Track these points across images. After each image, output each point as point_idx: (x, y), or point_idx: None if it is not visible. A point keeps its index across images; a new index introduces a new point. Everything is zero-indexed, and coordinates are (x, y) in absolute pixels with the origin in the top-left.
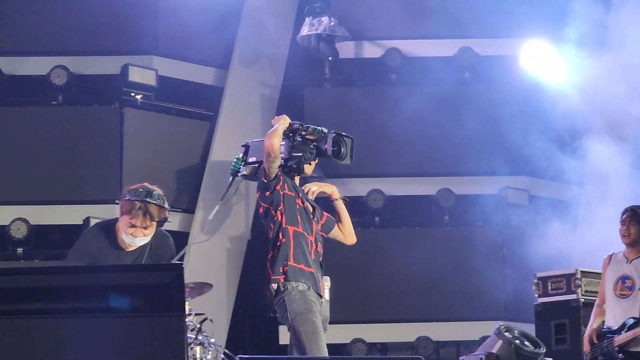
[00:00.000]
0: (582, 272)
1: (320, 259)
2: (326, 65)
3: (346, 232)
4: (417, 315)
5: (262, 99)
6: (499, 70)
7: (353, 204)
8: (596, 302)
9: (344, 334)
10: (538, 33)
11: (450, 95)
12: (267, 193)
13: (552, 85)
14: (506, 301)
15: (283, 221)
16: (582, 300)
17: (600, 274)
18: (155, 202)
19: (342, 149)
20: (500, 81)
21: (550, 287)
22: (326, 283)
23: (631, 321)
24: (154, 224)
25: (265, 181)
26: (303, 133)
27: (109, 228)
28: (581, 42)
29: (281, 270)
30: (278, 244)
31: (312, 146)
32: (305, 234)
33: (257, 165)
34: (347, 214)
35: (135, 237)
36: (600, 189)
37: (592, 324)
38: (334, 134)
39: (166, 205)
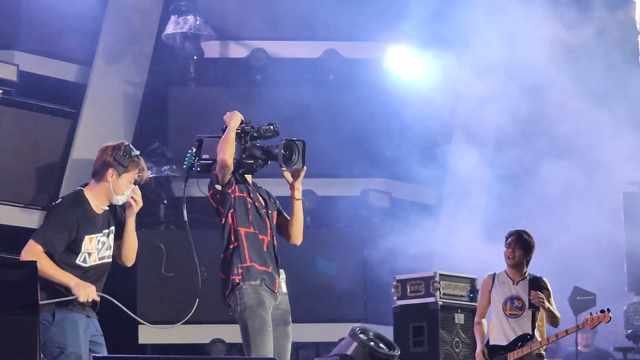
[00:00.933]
0: (440, 275)
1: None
2: (191, 64)
3: (295, 232)
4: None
5: (125, 96)
6: (363, 73)
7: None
8: (476, 320)
9: (203, 333)
10: (402, 37)
11: (315, 96)
12: (218, 195)
13: (414, 89)
14: (366, 303)
15: (235, 223)
16: (441, 303)
17: (459, 277)
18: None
19: (294, 155)
20: (364, 84)
21: (409, 290)
22: (282, 276)
23: (524, 337)
24: None
25: (219, 184)
26: (255, 135)
27: (78, 198)
28: (444, 47)
29: (236, 272)
30: (231, 246)
31: (261, 153)
32: (258, 233)
33: (210, 163)
34: (302, 215)
35: (132, 189)
36: (460, 192)
37: (480, 340)
38: (285, 141)
39: None
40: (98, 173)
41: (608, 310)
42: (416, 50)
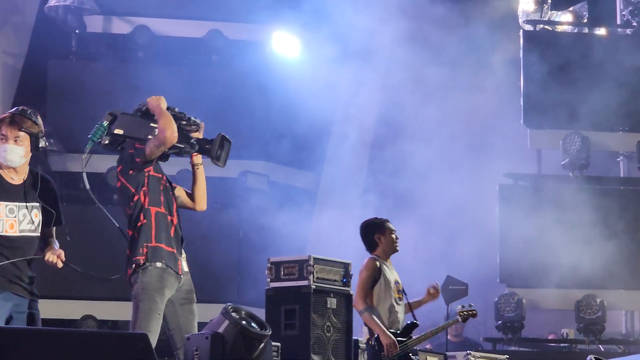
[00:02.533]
0: (315, 258)
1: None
2: (73, 38)
3: (199, 197)
4: None
5: (4, 67)
6: (246, 55)
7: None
8: (368, 306)
9: (74, 309)
10: (287, 20)
11: (197, 76)
12: (131, 172)
13: (296, 73)
14: (239, 285)
15: (146, 202)
16: (314, 287)
17: (333, 261)
18: (19, 113)
19: (223, 153)
20: (247, 66)
21: (283, 273)
22: (183, 255)
23: (413, 323)
24: (27, 138)
25: (139, 161)
26: (183, 123)
27: None
28: (329, 36)
29: (141, 251)
30: (139, 224)
31: (193, 141)
32: (167, 213)
33: (122, 139)
34: (204, 180)
35: (7, 149)
36: (338, 177)
37: (380, 326)
38: (222, 136)
39: (37, 122)
40: None
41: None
42: (300, 34)
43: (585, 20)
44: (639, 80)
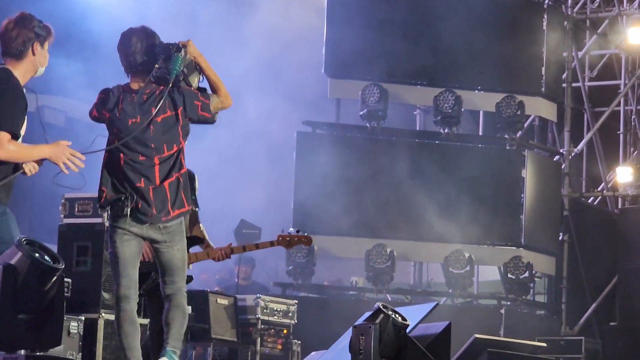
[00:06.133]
0: None
1: None
2: None
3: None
4: None
5: None
6: None
7: None
8: None
9: None
10: None
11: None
12: (190, 119)
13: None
14: (32, 219)
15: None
16: (107, 224)
17: None
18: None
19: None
20: None
21: (77, 209)
22: None
23: None
24: None
25: (203, 115)
26: None
27: (14, 77)
28: None
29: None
30: (182, 170)
31: None
32: None
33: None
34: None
35: None
36: None
37: None
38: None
39: None
40: (21, 51)
41: (298, 231)
42: None
43: None
44: (439, 36)
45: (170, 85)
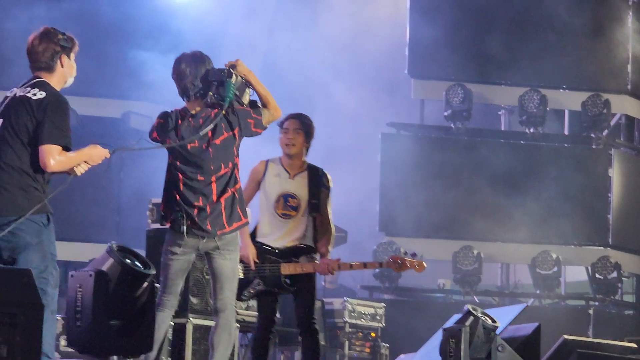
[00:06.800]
0: None
1: None
2: None
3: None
4: None
5: None
6: None
7: None
8: None
9: None
10: None
11: (86, 15)
12: (249, 136)
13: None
14: (120, 225)
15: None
16: None
17: None
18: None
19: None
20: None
21: None
22: None
23: (301, 248)
24: None
25: (255, 131)
26: None
27: (54, 89)
28: None
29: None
30: (237, 186)
31: None
32: None
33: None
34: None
35: None
36: None
37: (245, 237)
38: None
39: None
40: (50, 65)
41: (414, 254)
42: None
43: None
44: (523, 35)
45: (224, 109)
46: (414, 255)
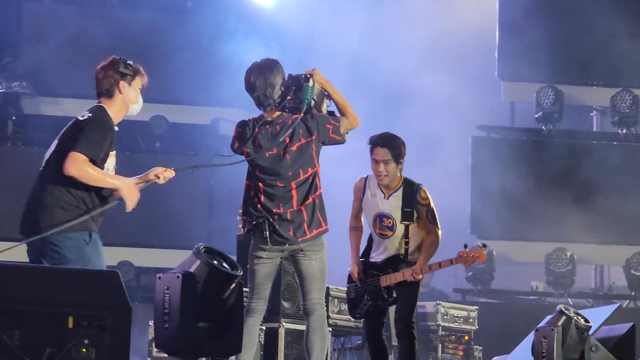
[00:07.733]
0: None
1: None
2: None
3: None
4: (120, 239)
5: None
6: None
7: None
8: (350, 225)
9: (112, 256)
10: None
11: (168, 24)
12: (328, 143)
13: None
14: (210, 231)
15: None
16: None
17: None
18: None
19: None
20: (222, 11)
21: None
22: None
23: (397, 257)
24: None
25: (334, 137)
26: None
27: (106, 113)
28: None
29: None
30: (318, 192)
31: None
32: None
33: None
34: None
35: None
36: None
37: (354, 252)
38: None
39: None
40: (108, 90)
41: (484, 245)
42: None
43: None
44: (613, 34)
45: (303, 113)
46: (466, 246)
